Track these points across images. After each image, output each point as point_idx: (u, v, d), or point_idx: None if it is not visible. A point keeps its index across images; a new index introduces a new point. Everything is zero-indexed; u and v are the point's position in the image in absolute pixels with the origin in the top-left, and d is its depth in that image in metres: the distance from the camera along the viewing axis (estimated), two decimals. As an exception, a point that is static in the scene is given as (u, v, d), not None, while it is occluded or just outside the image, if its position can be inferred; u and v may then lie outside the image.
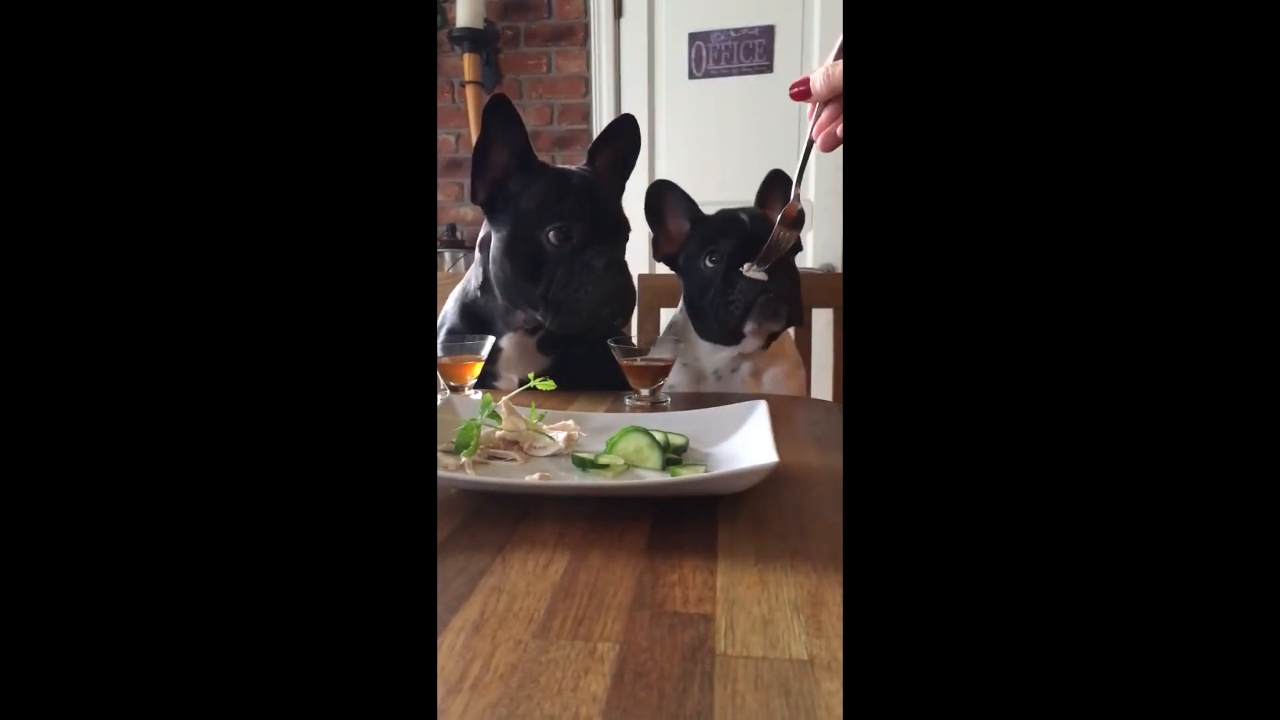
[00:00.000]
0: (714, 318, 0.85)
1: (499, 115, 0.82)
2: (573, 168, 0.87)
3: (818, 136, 0.56)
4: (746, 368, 0.90)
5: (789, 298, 0.83)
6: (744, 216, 0.85)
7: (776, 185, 0.91)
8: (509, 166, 0.84)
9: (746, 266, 0.71)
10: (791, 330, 0.94)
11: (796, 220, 0.64)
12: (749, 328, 0.84)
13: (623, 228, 0.84)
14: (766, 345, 0.88)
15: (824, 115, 0.56)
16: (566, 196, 0.81)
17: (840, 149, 0.56)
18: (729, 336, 0.86)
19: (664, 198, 0.91)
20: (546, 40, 2.17)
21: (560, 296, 0.81)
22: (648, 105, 2.12)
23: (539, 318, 0.84)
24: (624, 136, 0.90)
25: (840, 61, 0.53)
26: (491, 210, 0.86)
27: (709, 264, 0.85)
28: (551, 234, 0.81)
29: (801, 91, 0.56)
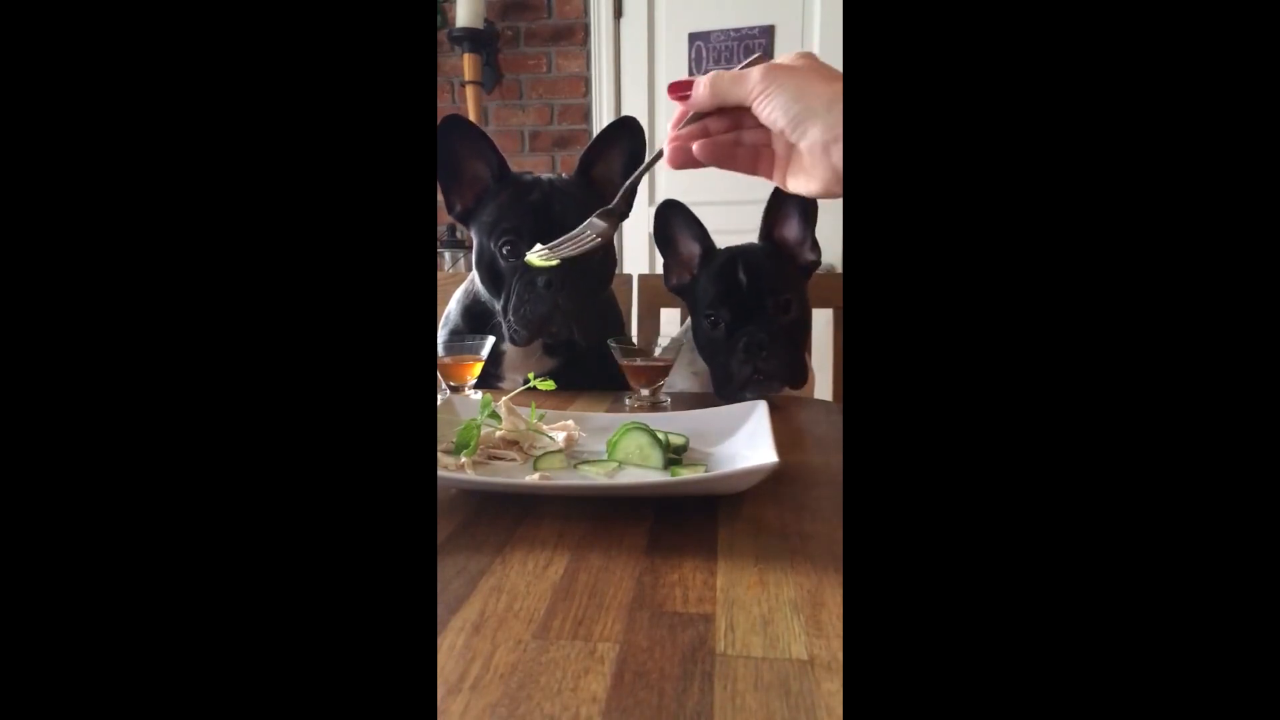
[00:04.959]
0: (714, 378, 0.84)
1: (456, 134, 0.82)
2: (546, 177, 0.86)
3: (669, 146, 0.47)
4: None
5: (784, 374, 0.80)
6: (742, 278, 0.81)
7: (786, 204, 0.85)
8: (486, 179, 0.84)
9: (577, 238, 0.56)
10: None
11: (615, 212, 0.54)
12: (747, 395, 0.81)
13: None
14: None
15: (692, 127, 0.47)
16: (518, 209, 0.81)
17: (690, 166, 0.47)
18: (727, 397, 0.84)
19: (671, 222, 0.86)
20: (546, 40, 2.17)
21: (514, 311, 0.81)
22: (648, 105, 2.12)
23: (504, 329, 0.83)
24: (625, 139, 0.87)
25: (729, 72, 0.44)
26: (466, 222, 0.87)
27: (708, 324, 0.82)
28: (503, 248, 0.81)
29: (682, 96, 0.47)
